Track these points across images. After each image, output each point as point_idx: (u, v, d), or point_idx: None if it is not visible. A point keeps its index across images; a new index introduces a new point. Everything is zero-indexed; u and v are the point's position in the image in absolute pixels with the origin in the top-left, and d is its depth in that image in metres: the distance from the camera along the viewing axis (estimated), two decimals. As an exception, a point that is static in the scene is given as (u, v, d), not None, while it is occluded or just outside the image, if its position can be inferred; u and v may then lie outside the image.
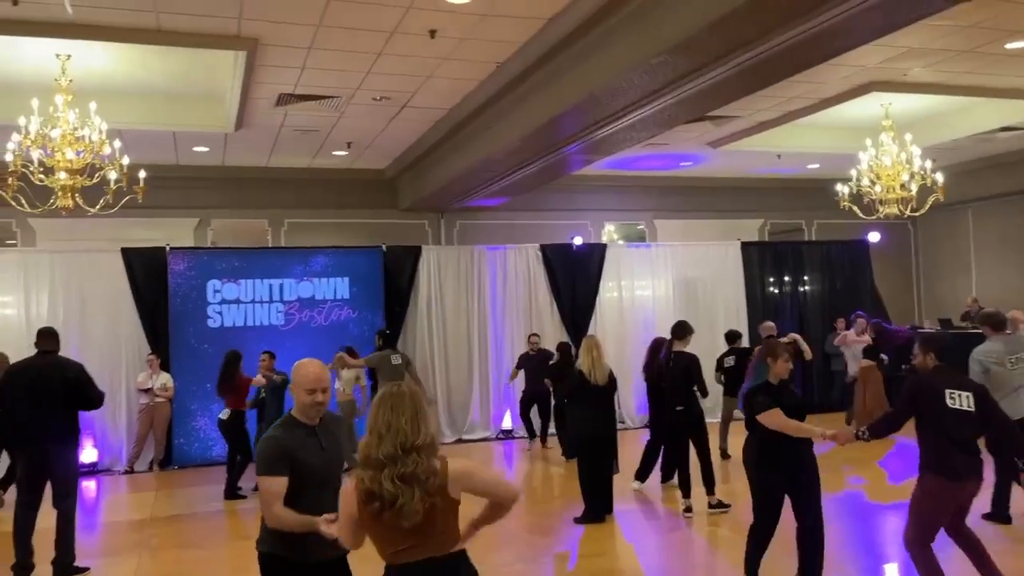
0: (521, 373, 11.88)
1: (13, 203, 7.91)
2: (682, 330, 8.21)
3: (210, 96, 10.05)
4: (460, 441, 12.65)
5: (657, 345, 8.77)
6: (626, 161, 13.59)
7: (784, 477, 5.29)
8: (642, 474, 8.81)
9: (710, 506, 7.86)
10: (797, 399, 5.42)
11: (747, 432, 5.51)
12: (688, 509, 7.75)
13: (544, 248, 13.50)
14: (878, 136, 10.71)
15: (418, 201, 13.35)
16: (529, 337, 12.24)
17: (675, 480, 8.57)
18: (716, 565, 6.49)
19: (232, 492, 9.25)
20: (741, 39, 6.22)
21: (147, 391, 11.06)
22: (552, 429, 11.72)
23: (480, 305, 13.09)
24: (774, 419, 5.21)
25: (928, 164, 10.49)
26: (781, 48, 6.33)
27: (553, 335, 12.91)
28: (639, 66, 6.85)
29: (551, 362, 11.36)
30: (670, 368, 8.06)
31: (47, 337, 6.75)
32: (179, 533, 8.05)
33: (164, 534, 7.93)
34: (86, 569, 6.56)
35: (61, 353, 6.86)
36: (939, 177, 10.36)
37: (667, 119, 8.62)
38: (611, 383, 7.77)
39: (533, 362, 11.75)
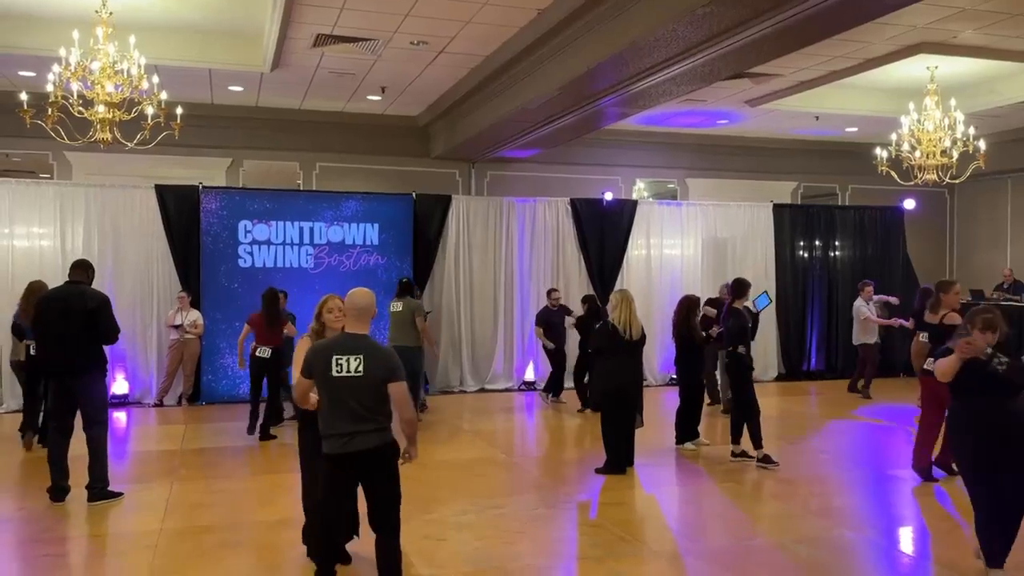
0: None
1: (52, 134, 7.99)
2: (740, 288, 8.39)
3: (247, 35, 10.04)
4: (483, 391, 12.77)
5: (686, 304, 8.75)
6: (661, 117, 13.43)
7: (984, 443, 4.77)
8: (684, 435, 8.77)
9: (733, 455, 8.05)
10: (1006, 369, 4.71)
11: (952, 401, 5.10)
12: (743, 454, 8.01)
13: (574, 202, 13.44)
14: (921, 100, 10.52)
15: (450, 150, 13.30)
16: (550, 292, 11.87)
17: (691, 444, 8.66)
18: (736, 517, 6.56)
19: (267, 433, 9.11)
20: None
21: (177, 327, 11.23)
22: (570, 383, 11.74)
23: (508, 257, 13.10)
24: (939, 369, 4.81)
25: (971, 131, 10.30)
26: (832, 3, 6.18)
27: (580, 290, 12.91)
28: (683, 16, 6.73)
29: (579, 315, 11.37)
30: (726, 322, 8.38)
31: (77, 268, 6.85)
32: (208, 465, 8.24)
33: (193, 465, 8.12)
34: (120, 494, 6.74)
35: (96, 286, 6.96)
36: (982, 145, 10.17)
37: (707, 74, 8.50)
38: (642, 338, 7.81)
39: (555, 318, 11.63)
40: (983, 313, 4.85)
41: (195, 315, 11.29)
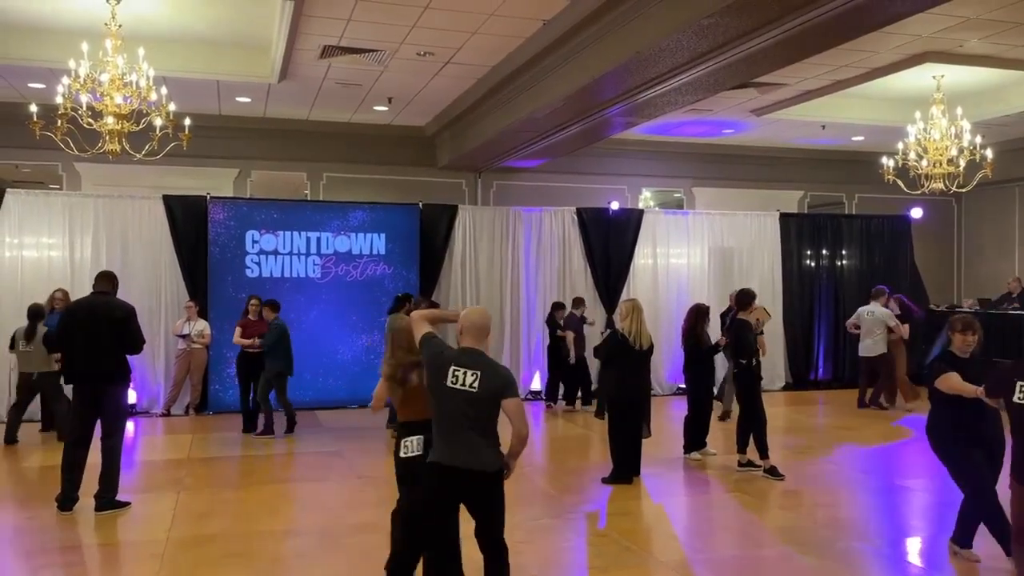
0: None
1: (62, 145, 8.04)
2: (744, 299, 8.41)
3: (255, 46, 10.10)
4: (489, 400, 12.75)
5: (695, 312, 8.75)
6: (667, 127, 13.45)
7: (975, 444, 5.29)
8: (692, 444, 8.73)
9: (739, 465, 8.06)
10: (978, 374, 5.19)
11: (931, 405, 5.51)
12: (750, 463, 8.02)
13: (580, 211, 13.44)
14: (928, 109, 10.51)
15: (456, 160, 13.34)
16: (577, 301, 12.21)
17: (697, 454, 8.64)
18: (743, 527, 6.53)
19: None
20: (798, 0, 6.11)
21: (184, 337, 11.25)
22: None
23: (514, 266, 13.11)
24: (948, 382, 5.20)
25: (978, 140, 10.29)
26: (837, 12, 6.20)
27: (586, 299, 12.95)
28: (688, 27, 6.75)
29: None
30: (730, 331, 8.45)
31: (103, 279, 6.88)
32: (215, 474, 8.25)
33: (200, 474, 8.13)
34: (127, 504, 6.76)
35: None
36: (989, 153, 10.16)
37: (713, 84, 8.52)
38: (651, 348, 7.80)
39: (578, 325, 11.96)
40: (962, 316, 5.41)
41: (202, 324, 11.32)
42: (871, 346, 11.71)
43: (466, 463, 4.16)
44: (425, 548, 4.40)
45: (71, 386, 6.92)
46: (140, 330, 6.81)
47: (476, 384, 4.16)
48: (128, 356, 6.74)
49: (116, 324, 6.60)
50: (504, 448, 4.24)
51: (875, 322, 11.69)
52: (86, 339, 6.56)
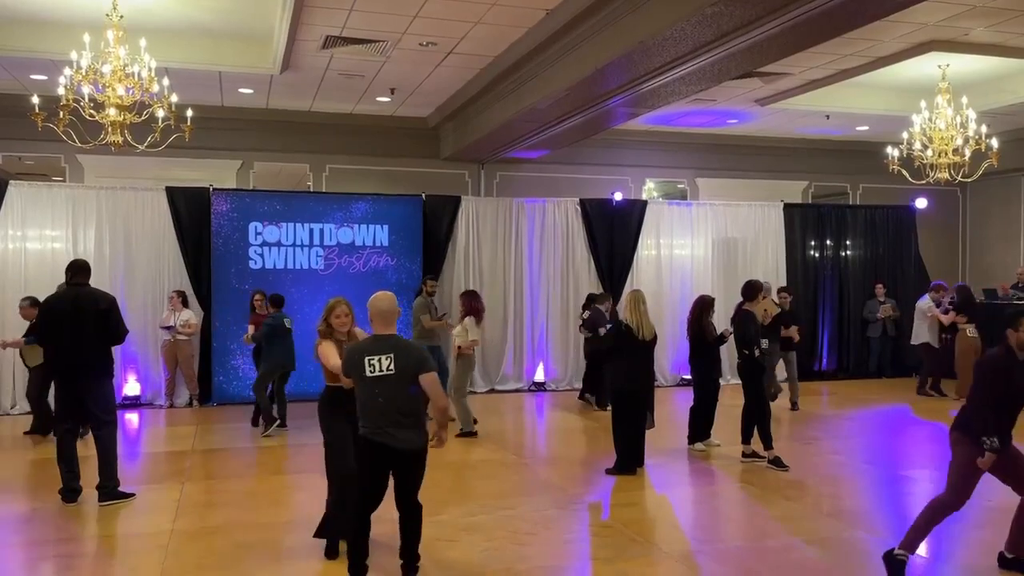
0: None
1: (64, 137, 8.03)
2: (750, 290, 8.51)
3: (257, 37, 10.08)
4: (493, 391, 12.77)
5: (699, 303, 8.72)
6: (670, 117, 13.40)
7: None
8: (696, 435, 8.71)
9: (743, 455, 8.05)
10: None
11: None
12: (754, 454, 8.03)
13: (583, 203, 13.42)
14: (933, 98, 10.46)
15: (459, 151, 13.31)
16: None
17: (701, 445, 8.62)
18: (747, 518, 6.53)
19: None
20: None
21: (168, 328, 11.18)
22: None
23: (517, 257, 13.10)
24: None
25: (983, 129, 10.23)
26: (841, 0, 6.15)
27: (589, 290, 12.91)
28: (692, 15, 6.71)
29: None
30: (735, 322, 8.47)
31: (81, 270, 6.80)
32: (219, 465, 8.27)
33: (204, 465, 8.15)
34: (131, 495, 6.77)
35: (108, 288, 6.97)
36: (994, 143, 10.11)
37: (717, 73, 8.47)
38: (654, 338, 7.79)
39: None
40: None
41: (187, 315, 11.19)
42: (916, 335, 12.43)
43: (394, 444, 4.54)
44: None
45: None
46: (122, 320, 6.80)
47: (392, 366, 4.49)
48: (125, 347, 6.72)
49: (101, 315, 6.57)
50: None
51: (918, 312, 12.39)
52: (71, 332, 6.51)
